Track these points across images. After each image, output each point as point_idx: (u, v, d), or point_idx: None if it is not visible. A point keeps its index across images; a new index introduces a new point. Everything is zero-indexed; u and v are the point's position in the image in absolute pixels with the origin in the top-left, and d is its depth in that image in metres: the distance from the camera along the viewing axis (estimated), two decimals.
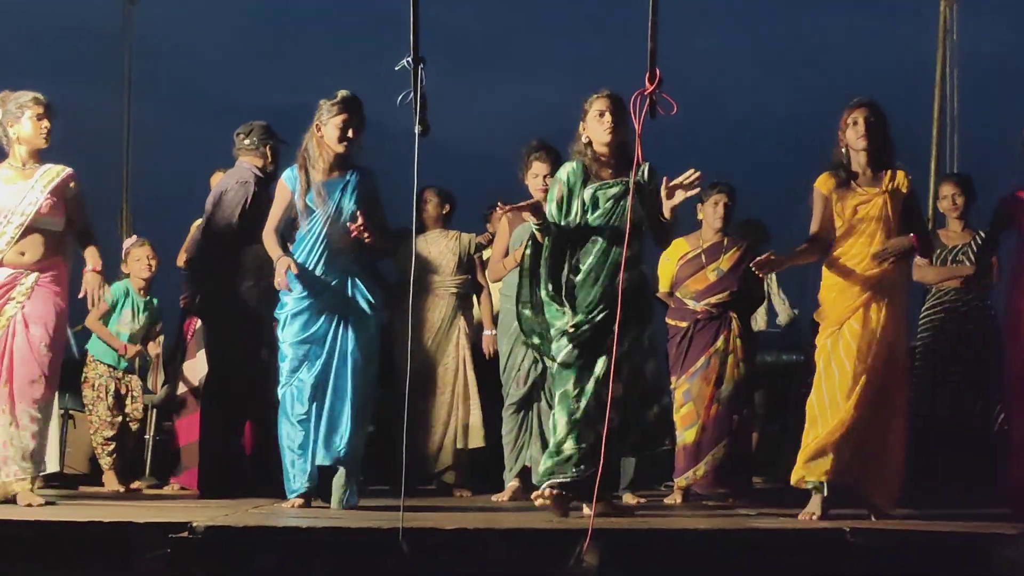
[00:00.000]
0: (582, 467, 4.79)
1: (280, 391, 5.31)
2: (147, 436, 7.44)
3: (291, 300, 5.28)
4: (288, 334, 5.28)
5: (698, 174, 4.84)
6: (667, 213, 4.94)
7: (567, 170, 5.06)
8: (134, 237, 7.14)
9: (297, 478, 5.25)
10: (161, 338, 8.06)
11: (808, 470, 5.05)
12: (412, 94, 4.27)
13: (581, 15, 17.99)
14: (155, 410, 7.47)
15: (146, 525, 4.03)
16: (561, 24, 19.33)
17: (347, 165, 5.33)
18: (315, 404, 5.22)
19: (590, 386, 4.86)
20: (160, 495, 6.51)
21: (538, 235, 4.98)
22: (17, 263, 5.27)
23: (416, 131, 4.25)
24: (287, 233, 5.53)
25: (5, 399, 5.19)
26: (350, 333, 5.24)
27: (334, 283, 5.27)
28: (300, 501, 5.22)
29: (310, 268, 5.26)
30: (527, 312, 4.99)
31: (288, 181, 5.34)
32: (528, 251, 5.02)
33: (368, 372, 5.30)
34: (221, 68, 18.78)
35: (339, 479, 5.23)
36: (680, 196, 4.89)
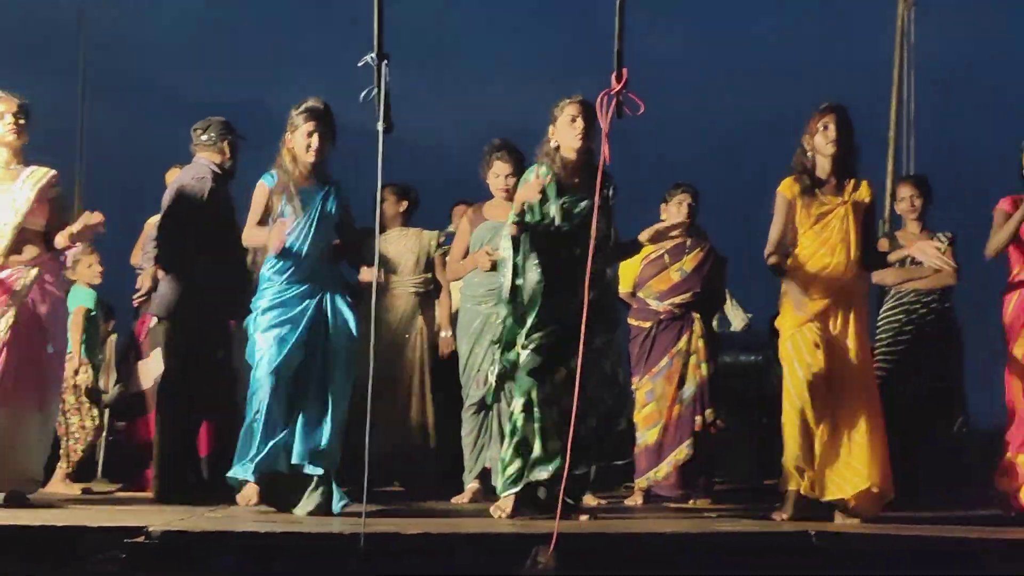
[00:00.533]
0: (549, 470, 4.82)
1: (254, 377, 5.08)
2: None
3: (267, 298, 5.12)
4: (262, 323, 5.09)
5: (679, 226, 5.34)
6: (641, 241, 5.09)
7: (539, 173, 4.98)
8: (79, 244, 6.97)
9: (253, 465, 4.99)
10: (114, 337, 7.93)
11: (792, 480, 5.02)
12: (376, 91, 4.22)
13: (547, 14, 18.05)
14: (107, 410, 7.33)
15: (100, 529, 3.94)
16: (525, 22, 19.37)
17: (324, 173, 5.23)
18: (295, 402, 5.04)
19: (554, 395, 4.85)
20: (113, 498, 6.38)
21: (514, 228, 4.92)
22: (16, 263, 5.27)
23: (379, 128, 4.18)
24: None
25: (9, 397, 5.15)
26: (330, 332, 5.09)
27: (307, 289, 5.11)
28: (255, 500, 5.08)
29: (285, 276, 5.12)
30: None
31: (267, 181, 5.21)
32: (508, 248, 4.96)
33: (351, 371, 5.13)
34: (177, 63, 18.62)
35: (317, 482, 5.04)
36: (660, 238, 5.17)
